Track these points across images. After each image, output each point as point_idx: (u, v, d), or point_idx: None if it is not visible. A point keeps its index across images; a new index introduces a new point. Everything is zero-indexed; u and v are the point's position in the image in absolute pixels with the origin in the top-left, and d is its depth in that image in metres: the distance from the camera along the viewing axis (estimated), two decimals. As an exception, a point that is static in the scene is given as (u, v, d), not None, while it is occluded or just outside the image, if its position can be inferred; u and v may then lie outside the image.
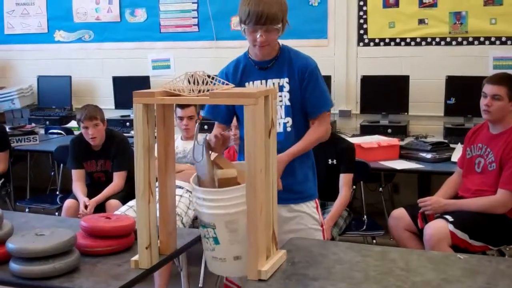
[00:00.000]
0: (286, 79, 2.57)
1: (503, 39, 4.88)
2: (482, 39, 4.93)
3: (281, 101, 2.56)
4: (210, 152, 2.25)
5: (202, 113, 2.81)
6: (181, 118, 4.26)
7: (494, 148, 3.39)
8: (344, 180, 3.87)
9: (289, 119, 2.58)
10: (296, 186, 2.62)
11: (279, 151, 2.43)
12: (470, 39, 4.94)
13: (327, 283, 1.97)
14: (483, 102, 3.41)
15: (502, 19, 4.85)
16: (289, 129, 2.58)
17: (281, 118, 2.57)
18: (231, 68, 2.66)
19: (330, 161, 3.90)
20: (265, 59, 2.59)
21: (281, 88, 2.56)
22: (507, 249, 3.44)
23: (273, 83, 2.56)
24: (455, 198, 3.52)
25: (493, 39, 4.91)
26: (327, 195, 3.78)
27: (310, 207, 2.69)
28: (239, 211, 2.08)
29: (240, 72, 2.63)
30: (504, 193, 3.30)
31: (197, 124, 2.43)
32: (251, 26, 2.43)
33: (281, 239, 2.35)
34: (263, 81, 2.58)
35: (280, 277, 2.03)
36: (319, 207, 2.75)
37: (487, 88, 3.40)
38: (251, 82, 2.60)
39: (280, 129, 2.57)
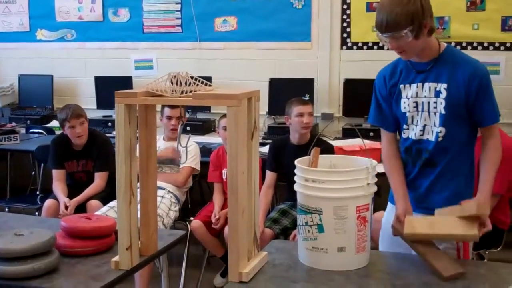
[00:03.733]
0: (445, 85, 2.29)
1: (485, 44, 4.92)
2: (464, 44, 4.97)
3: (435, 107, 2.32)
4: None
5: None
6: (169, 118, 4.24)
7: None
8: None
9: (443, 129, 2.32)
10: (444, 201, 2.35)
11: (427, 160, 2.36)
12: (453, 44, 4.97)
13: (308, 285, 1.98)
14: None
15: (485, 25, 4.89)
16: (440, 139, 2.33)
17: (434, 126, 2.34)
18: (389, 71, 2.47)
19: None
20: (422, 61, 2.34)
21: (437, 94, 2.31)
22: (486, 252, 3.47)
23: (429, 87, 2.33)
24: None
25: (475, 44, 4.95)
26: None
27: None
28: (350, 196, 2.05)
29: (398, 74, 2.42)
30: None
31: (180, 125, 2.40)
32: (381, 36, 2.26)
33: None
34: (419, 85, 2.35)
35: (261, 279, 2.03)
36: None
37: None
38: (407, 85, 2.39)
39: (431, 137, 2.36)
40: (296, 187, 2.16)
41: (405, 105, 2.39)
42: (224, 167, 4.14)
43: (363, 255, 2.14)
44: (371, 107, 2.56)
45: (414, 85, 2.37)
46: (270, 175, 4.04)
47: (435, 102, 2.33)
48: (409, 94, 2.38)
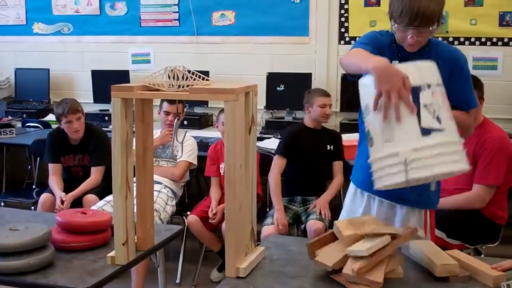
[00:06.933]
0: None
1: (483, 39, 4.91)
2: (462, 39, 4.96)
3: None
4: None
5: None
6: (167, 113, 4.22)
7: (465, 147, 3.40)
8: (338, 167, 4.07)
9: None
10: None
11: None
12: (450, 39, 4.97)
13: (305, 281, 1.97)
14: None
15: (482, 20, 4.88)
16: None
17: None
18: (388, 41, 2.34)
19: (328, 147, 4.06)
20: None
21: None
22: (483, 247, 3.47)
23: None
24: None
25: (473, 39, 4.94)
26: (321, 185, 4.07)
27: (417, 218, 2.39)
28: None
29: (386, 50, 2.30)
30: (480, 187, 3.33)
31: (176, 120, 2.39)
32: (402, 26, 2.16)
33: None
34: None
35: (259, 274, 2.02)
36: (428, 223, 2.43)
37: None
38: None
39: None
40: None
41: None
42: (222, 161, 4.12)
43: None
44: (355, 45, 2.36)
45: (395, 62, 2.23)
46: (280, 161, 4.01)
47: None
48: None
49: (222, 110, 4.11)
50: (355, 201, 2.53)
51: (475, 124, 3.41)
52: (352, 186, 2.58)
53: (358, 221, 2.07)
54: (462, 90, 2.28)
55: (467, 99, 2.32)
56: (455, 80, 2.24)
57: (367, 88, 1.95)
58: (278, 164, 4.01)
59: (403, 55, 2.29)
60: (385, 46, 2.32)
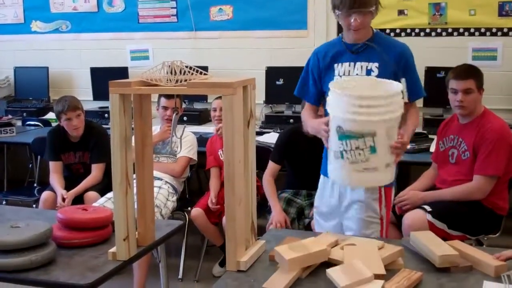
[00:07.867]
0: (376, 64, 2.55)
1: (482, 30, 4.90)
2: (461, 30, 4.95)
3: None
4: None
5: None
6: (165, 108, 4.22)
7: (466, 137, 3.41)
8: None
9: None
10: None
11: None
12: (450, 30, 4.96)
13: (304, 274, 1.97)
14: (454, 98, 3.38)
15: (481, 11, 4.86)
16: None
17: None
18: (322, 51, 2.68)
19: None
20: (358, 42, 2.56)
21: (368, 72, 2.54)
22: (485, 238, 3.46)
23: (361, 66, 2.54)
24: (432, 190, 3.54)
25: (472, 30, 4.93)
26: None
27: (372, 195, 2.63)
28: (397, 116, 2.16)
29: (331, 55, 2.63)
30: (480, 178, 3.32)
31: (174, 115, 2.39)
32: (345, 11, 2.42)
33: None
34: (351, 64, 2.57)
35: (259, 267, 2.03)
36: (383, 198, 2.65)
37: (456, 84, 3.37)
38: (339, 64, 2.59)
39: None
40: (345, 115, 2.15)
41: None
42: (219, 148, 4.11)
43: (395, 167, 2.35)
44: (298, 81, 2.82)
45: (346, 64, 2.57)
46: (274, 166, 3.97)
47: None
48: (341, 72, 2.57)
49: (216, 98, 4.14)
50: (322, 184, 2.82)
51: (476, 115, 3.41)
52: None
53: (297, 245, 2.04)
54: (411, 81, 2.57)
55: (415, 89, 2.60)
56: (403, 73, 2.52)
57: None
58: (271, 168, 3.96)
59: (352, 49, 2.59)
60: (335, 47, 2.65)
